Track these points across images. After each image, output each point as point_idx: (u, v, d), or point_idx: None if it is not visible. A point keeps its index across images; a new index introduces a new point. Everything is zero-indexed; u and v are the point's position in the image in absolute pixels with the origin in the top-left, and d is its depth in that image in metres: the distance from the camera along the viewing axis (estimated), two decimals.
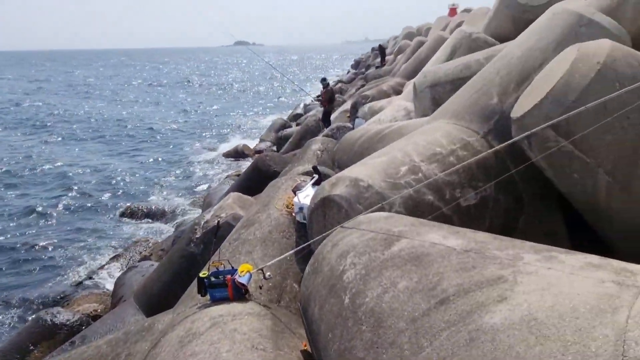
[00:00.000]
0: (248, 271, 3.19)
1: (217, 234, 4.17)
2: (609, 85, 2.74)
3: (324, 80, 13.66)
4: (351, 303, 2.13)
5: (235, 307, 3.07)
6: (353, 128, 8.82)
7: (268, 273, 3.22)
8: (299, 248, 3.50)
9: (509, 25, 7.41)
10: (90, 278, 8.60)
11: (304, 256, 3.51)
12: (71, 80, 65.59)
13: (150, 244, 9.30)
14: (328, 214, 3.46)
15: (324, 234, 2.98)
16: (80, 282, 8.57)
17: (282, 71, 21.82)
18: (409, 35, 24.92)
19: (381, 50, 27.06)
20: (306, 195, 4.15)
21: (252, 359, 2.47)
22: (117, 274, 7.96)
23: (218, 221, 4.58)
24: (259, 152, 15.92)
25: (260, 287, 3.47)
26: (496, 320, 1.54)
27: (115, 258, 9.21)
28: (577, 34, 3.63)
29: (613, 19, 3.82)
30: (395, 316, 1.85)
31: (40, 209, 13.40)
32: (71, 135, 25.33)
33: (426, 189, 3.32)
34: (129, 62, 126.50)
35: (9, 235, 11.56)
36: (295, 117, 22.24)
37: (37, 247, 10.75)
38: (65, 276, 9.20)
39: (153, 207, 12.37)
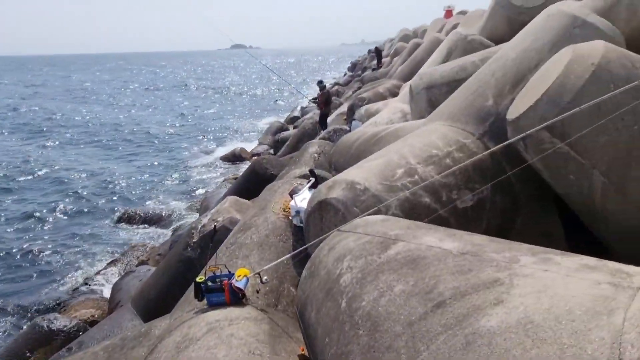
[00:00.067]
0: (245, 275, 3.18)
1: (214, 238, 4.16)
2: (604, 87, 2.75)
3: (320, 82, 13.67)
4: (348, 307, 2.12)
5: (232, 311, 3.06)
6: (350, 130, 8.83)
7: (265, 277, 3.21)
8: (295, 252, 3.49)
9: (504, 26, 7.44)
10: (87, 284, 8.55)
11: (301, 260, 3.51)
12: (68, 84, 65.45)
13: (147, 249, 9.26)
14: (325, 217, 3.45)
15: (320, 238, 2.97)
16: (77, 288, 8.53)
17: (279, 74, 21.82)
18: (405, 38, 25.00)
19: (377, 53, 27.12)
20: (303, 199, 4.15)
21: None
22: (115, 279, 7.93)
23: (215, 225, 4.57)
24: (256, 155, 15.92)
25: (258, 291, 3.46)
26: (493, 323, 1.53)
27: (112, 263, 9.16)
28: (571, 35, 3.65)
29: (607, 20, 3.84)
30: (392, 320, 1.84)
31: (37, 214, 13.35)
32: (68, 139, 25.26)
33: (423, 191, 3.32)
34: (126, 66, 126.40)
35: (5, 241, 11.50)
36: (293, 120, 22.26)
37: (33, 253, 10.69)
38: (62, 282, 9.15)
39: (150, 212, 12.32)
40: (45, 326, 5.97)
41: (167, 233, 10.69)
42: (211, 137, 25.19)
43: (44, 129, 28.40)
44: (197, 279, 3.23)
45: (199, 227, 5.43)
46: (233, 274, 3.17)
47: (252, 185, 7.88)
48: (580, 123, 2.73)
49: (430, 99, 6.26)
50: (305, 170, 6.02)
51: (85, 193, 15.30)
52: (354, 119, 10.09)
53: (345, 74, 42.24)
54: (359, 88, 17.70)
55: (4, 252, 10.76)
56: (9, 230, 12.26)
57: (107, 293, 7.53)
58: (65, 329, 5.98)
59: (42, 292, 8.71)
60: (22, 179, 17.26)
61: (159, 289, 5.45)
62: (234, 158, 17.92)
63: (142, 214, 12.15)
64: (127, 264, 8.70)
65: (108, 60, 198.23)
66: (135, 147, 23.34)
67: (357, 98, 12.11)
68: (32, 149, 22.88)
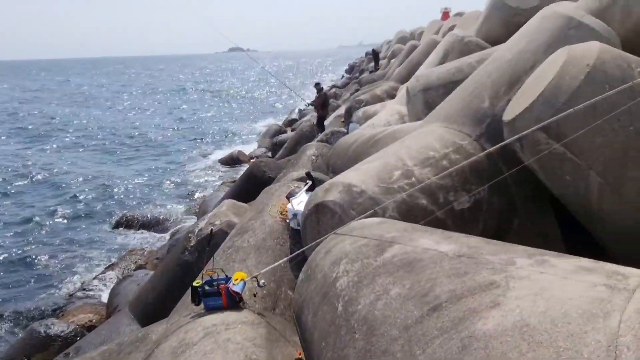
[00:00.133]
0: (242, 279, 3.16)
1: (211, 242, 4.14)
2: (599, 87, 2.75)
3: (317, 85, 13.68)
4: (344, 311, 2.11)
5: (229, 316, 3.04)
6: (347, 133, 8.83)
7: (262, 281, 3.20)
8: (292, 255, 3.48)
9: (500, 28, 7.45)
10: (85, 288, 8.51)
11: (299, 263, 3.49)
12: (66, 88, 65.40)
13: (145, 253, 9.23)
14: (322, 220, 3.44)
15: (317, 241, 2.96)
16: (75, 293, 8.49)
17: (276, 77, 21.81)
18: (402, 40, 25.04)
19: (375, 55, 27.19)
20: (300, 202, 4.14)
21: None
22: (113, 284, 7.90)
23: (211, 229, 4.55)
24: (254, 158, 15.90)
25: (255, 295, 3.45)
26: (489, 326, 1.52)
27: (110, 267, 9.12)
28: (566, 36, 3.65)
29: (602, 21, 3.85)
30: (388, 324, 1.83)
31: (35, 218, 13.31)
32: (67, 143, 25.23)
33: (419, 193, 3.31)
34: (124, 70, 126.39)
35: (3, 245, 11.45)
36: (290, 123, 22.26)
37: (31, 257, 10.65)
38: (60, 286, 9.11)
39: (148, 216, 12.29)
40: (43, 332, 5.94)
41: (165, 237, 10.65)
42: (209, 140, 25.19)
43: (43, 133, 28.37)
44: (194, 283, 3.21)
45: (196, 230, 5.41)
46: (230, 278, 3.16)
47: (250, 188, 7.86)
48: (576, 124, 2.73)
49: (427, 101, 6.26)
50: (302, 173, 6.01)
51: (83, 197, 15.27)
52: (352, 121, 10.09)
53: (343, 76, 42.30)
54: (357, 90, 17.72)
55: (1, 257, 10.72)
56: (6, 234, 12.21)
57: (105, 298, 7.49)
58: (62, 334, 5.95)
59: (39, 297, 8.67)
60: (20, 183, 17.22)
61: (157, 293, 5.43)
62: (232, 161, 17.91)
63: (140, 218, 12.12)
64: (125, 269, 8.67)
65: (106, 64, 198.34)
66: (133, 151, 23.32)
67: (354, 100, 12.12)
68: (31, 153, 22.84)
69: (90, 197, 15.32)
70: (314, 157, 7.68)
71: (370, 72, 24.09)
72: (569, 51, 3.04)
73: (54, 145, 24.56)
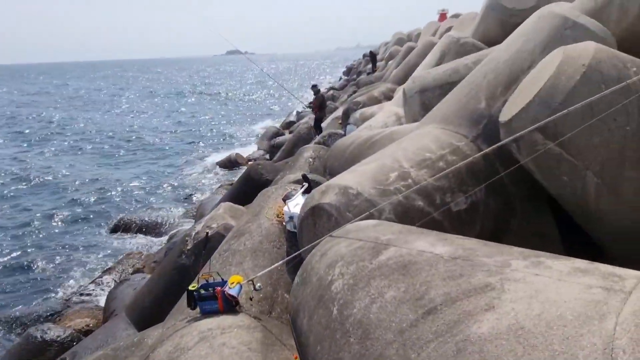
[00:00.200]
0: (238, 282, 3.14)
1: (207, 245, 4.12)
2: (595, 87, 2.74)
3: (314, 87, 13.68)
4: (339, 314, 2.09)
5: (225, 320, 3.02)
6: (344, 135, 8.82)
7: (258, 284, 3.17)
8: (289, 258, 3.46)
9: (497, 29, 7.45)
10: (82, 292, 8.46)
11: (295, 266, 3.47)
12: (64, 92, 65.35)
13: (142, 257, 9.19)
14: (318, 222, 3.42)
15: (313, 243, 2.94)
16: (72, 297, 8.44)
17: (274, 79, 21.80)
18: (400, 41, 25.07)
19: (372, 57, 27.21)
20: (296, 204, 4.11)
21: None
22: (110, 288, 7.85)
23: (207, 232, 4.52)
24: (252, 160, 15.88)
25: (251, 299, 3.42)
26: (484, 330, 1.50)
27: (107, 271, 9.07)
28: (562, 36, 3.64)
29: (598, 21, 3.84)
30: (383, 327, 1.81)
31: (33, 222, 13.26)
32: (64, 147, 25.18)
33: (416, 194, 3.29)
34: (123, 73, 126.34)
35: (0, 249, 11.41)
36: (288, 125, 22.25)
37: (28, 261, 10.60)
38: (57, 290, 9.06)
39: (146, 219, 12.24)
40: (39, 337, 5.90)
41: (163, 240, 10.61)
42: (208, 143, 25.17)
43: (41, 137, 28.31)
44: (190, 287, 3.18)
45: (193, 234, 5.38)
46: (226, 282, 3.14)
47: (247, 190, 7.84)
48: (573, 124, 2.72)
49: (423, 102, 6.26)
50: (299, 175, 5.99)
51: (80, 200, 15.23)
52: (349, 123, 10.08)
53: (340, 78, 42.34)
54: (354, 92, 17.73)
55: None
56: (3, 238, 12.16)
57: (102, 302, 7.45)
58: (59, 339, 5.91)
59: (36, 301, 8.62)
60: (18, 186, 17.18)
61: (153, 297, 5.40)
62: (230, 164, 17.88)
63: (138, 222, 12.07)
64: (122, 272, 8.62)
65: (104, 67, 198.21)
66: (131, 154, 23.28)
67: (352, 102, 12.12)
68: (29, 156, 22.79)
69: (87, 200, 15.27)
70: (311, 159, 7.66)
71: (368, 73, 24.11)
72: (565, 51, 3.03)
73: (52, 149, 24.51)
